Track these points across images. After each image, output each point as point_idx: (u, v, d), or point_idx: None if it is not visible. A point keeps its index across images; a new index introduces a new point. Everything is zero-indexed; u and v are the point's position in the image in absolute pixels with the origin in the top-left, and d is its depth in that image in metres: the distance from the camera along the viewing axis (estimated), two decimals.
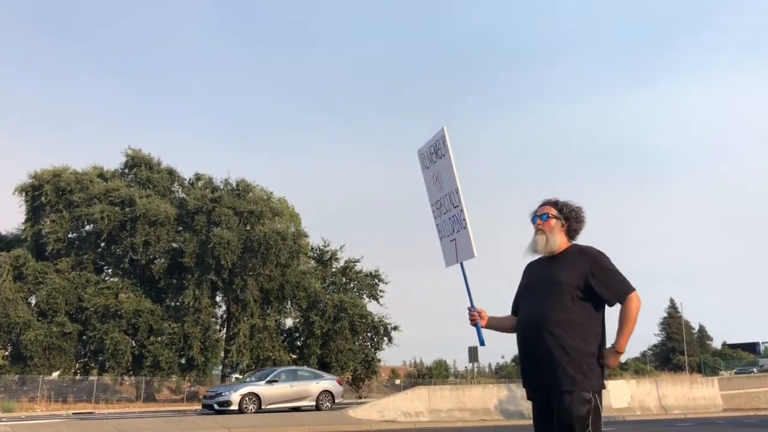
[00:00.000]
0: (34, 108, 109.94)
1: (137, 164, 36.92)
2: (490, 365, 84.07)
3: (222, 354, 35.55)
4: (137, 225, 32.58)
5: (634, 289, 3.24)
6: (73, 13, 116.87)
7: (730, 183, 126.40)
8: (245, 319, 33.06)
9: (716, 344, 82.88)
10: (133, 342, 32.15)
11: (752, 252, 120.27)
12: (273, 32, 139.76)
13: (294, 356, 34.98)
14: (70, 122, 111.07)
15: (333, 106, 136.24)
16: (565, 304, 3.23)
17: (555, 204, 3.51)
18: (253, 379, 20.74)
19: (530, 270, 3.57)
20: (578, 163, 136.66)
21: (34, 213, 34.47)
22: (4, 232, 37.88)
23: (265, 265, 33.11)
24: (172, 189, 37.78)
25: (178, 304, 33.68)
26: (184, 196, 36.68)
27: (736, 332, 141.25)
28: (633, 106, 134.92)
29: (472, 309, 3.59)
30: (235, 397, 18.75)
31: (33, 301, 32.68)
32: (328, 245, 38.94)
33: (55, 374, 31.56)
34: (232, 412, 18.12)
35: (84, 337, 32.25)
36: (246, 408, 18.62)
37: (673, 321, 75.87)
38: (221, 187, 37.33)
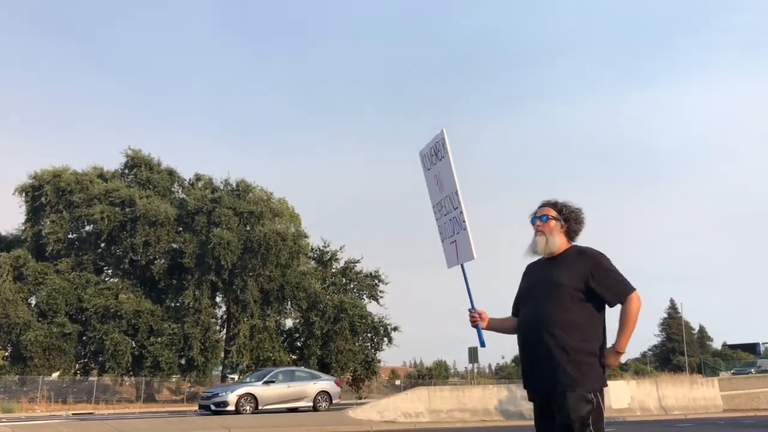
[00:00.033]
0: (34, 108, 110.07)
1: (137, 164, 36.93)
2: (490, 366, 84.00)
3: (222, 354, 35.56)
4: (137, 225, 32.59)
5: (634, 290, 3.25)
6: (73, 13, 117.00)
7: (730, 183, 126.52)
8: (245, 319, 33.07)
9: (716, 345, 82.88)
10: (133, 342, 32.14)
11: (752, 252, 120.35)
12: (273, 32, 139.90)
13: (294, 357, 34.98)
14: (70, 122, 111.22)
15: (333, 106, 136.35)
16: (565, 305, 3.24)
17: (554, 205, 3.51)
18: (250, 379, 20.65)
19: (530, 271, 3.58)
20: (578, 163, 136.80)
21: (34, 213, 34.47)
22: (4, 233, 37.92)
23: (265, 266, 33.12)
24: (172, 189, 37.79)
25: (178, 304, 33.68)
26: (184, 196, 36.70)
27: (736, 333, 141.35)
28: (633, 106, 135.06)
29: (472, 310, 3.59)
30: (231, 397, 18.68)
31: (33, 302, 32.68)
32: (328, 246, 39.02)
33: (55, 375, 31.56)
34: (229, 412, 18.05)
35: (84, 338, 32.25)
36: (243, 409, 18.55)
37: (673, 321, 75.83)
38: (221, 188, 37.35)
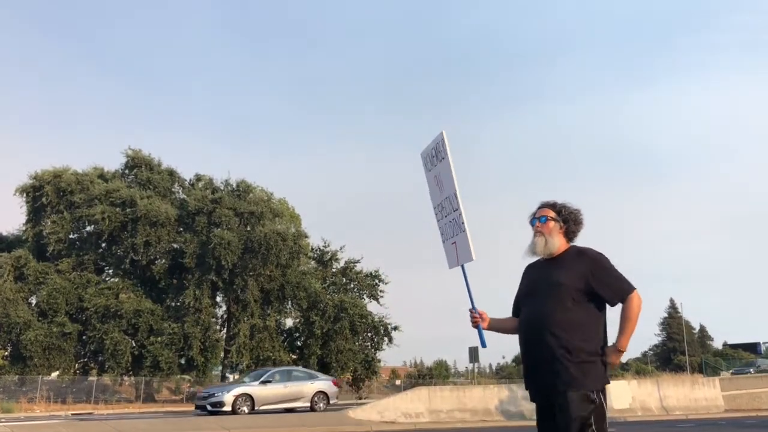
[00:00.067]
0: (34, 108, 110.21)
1: (137, 165, 36.93)
2: (490, 366, 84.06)
3: (222, 354, 35.55)
4: (138, 226, 32.59)
5: (634, 289, 3.27)
6: (73, 13, 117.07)
7: (730, 183, 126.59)
8: (245, 319, 33.07)
9: (717, 344, 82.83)
10: (133, 342, 32.14)
11: (752, 252, 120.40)
12: (273, 32, 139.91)
13: (294, 356, 34.97)
14: (70, 122, 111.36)
15: (333, 106, 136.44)
16: (565, 305, 3.25)
17: (553, 206, 3.53)
18: (247, 379, 20.48)
19: (530, 272, 3.59)
20: (578, 163, 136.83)
21: (35, 214, 34.48)
22: (5, 233, 37.92)
23: (266, 266, 33.12)
24: (173, 190, 37.80)
25: (178, 304, 33.69)
26: (185, 196, 36.71)
27: (737, 332, 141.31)
28: (633, 106, 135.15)
29: (473, 311, 3.60)
30: (227, 397, 18.57)
31: (33, 302, 32.69)
32: (329, 246, 38.99)
33: (54, 374, 31.55)
34: (225, 413, 17.92)
35: (84, 338, 32.25)
36: (239, 409, 18.43)
37: (673, 321, 75.82)
38: (221, 188, 37.36)
